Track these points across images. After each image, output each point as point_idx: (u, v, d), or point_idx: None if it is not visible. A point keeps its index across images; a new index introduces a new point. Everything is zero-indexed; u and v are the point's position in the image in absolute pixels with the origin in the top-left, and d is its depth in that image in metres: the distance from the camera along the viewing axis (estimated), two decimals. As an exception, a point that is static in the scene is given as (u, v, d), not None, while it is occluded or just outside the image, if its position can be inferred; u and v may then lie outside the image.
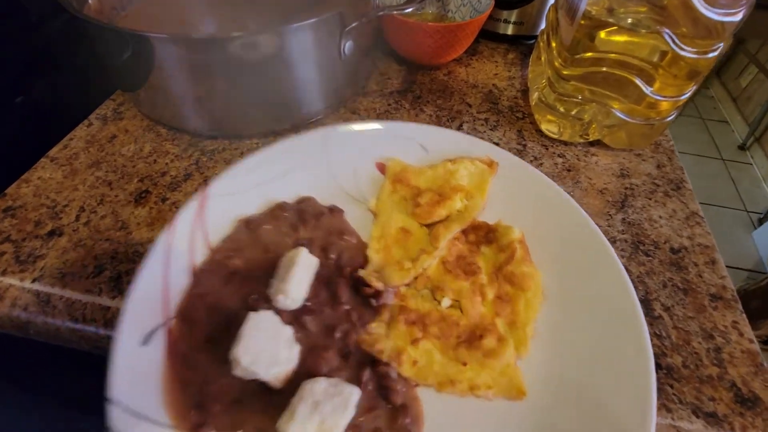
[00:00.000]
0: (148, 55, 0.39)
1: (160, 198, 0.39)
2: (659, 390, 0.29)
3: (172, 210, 0.38)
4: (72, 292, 0.32)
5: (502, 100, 0.52)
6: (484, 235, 0.33)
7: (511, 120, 0.49)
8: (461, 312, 0.30)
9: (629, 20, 0.37)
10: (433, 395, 0.26)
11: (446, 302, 0.30)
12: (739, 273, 1.59)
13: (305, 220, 0.33)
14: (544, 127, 0.47)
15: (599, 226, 0.39)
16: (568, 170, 0.44)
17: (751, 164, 2.01)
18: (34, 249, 0.35)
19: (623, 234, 0.39)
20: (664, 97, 0.40)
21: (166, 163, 0.42)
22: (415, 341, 0.28)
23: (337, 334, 0.28)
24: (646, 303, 0.34)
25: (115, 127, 0.46)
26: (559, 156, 0.46)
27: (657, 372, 0.30)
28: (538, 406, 0.25)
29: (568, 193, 0.41)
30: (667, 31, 0.36)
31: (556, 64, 0.43)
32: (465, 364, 0.27)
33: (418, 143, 0.38)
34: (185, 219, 0.30)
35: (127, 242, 0.36)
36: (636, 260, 0.37)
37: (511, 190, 0.35)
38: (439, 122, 0.48)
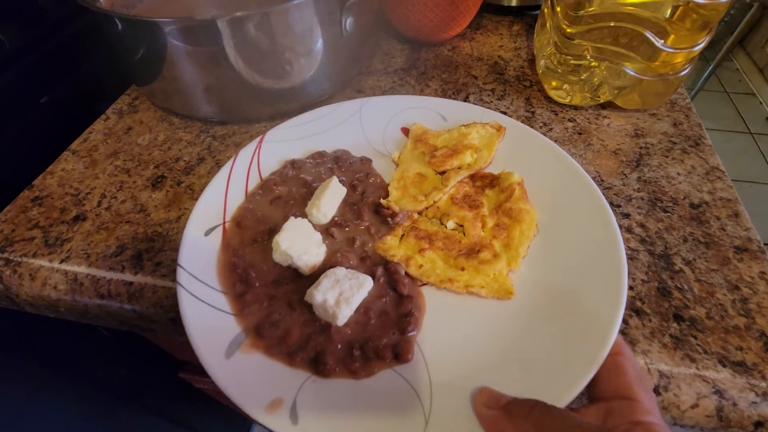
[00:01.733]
0: (160, 46, 0.40)
1: (176, 182, 0.40)
2: (681, 341, 0.28)
3: (187, 192, 0.39)
4: (97, 270, 0.34)
5: (508, 70, 0.51)
6: (489, 181, 0.37)
7: (518, 89, 0.49)
8: (464, 234, 0.34)
9: (634, -29, 0.36)
10: (435, 292, 0.30)
11: (451, 224, 0.34)
12: (774, 249, 1.52)
13: (339, 164, 0.39)
14: (552, 93, 0.46)
15: (613, 186, 0.38)
16: (579, 134, 0.43)
17: (783, 136, 1.91)
18: (60, 233, 0.36)
19: (639, 192, 0.38)
20: (677, 49, 0.39)
21: (180, 150, 0.44)
22: (422, 250, 0.32)
23: (357, 243, 0.33)
24: (665, 258, 0.33)
25: (131, 119, 0.48)
26: (569, 120, 0.45)
27: (679, 324, 0.29)
28: (524, 305, 0.29)
29: (580, 155, 0.41)
30: (675, -22, 0.35)
31: (562, 25, 0.42)
32: (463, 269, 0.31)
33: (438, 113, 0.43)
34: (245, 154, 0.38)
35: (146, 223, 0.37)
36: (654, 216, 0.36)
37: (515, 149, 0.39)
38: (445, 95, 0.48)
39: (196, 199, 0.34)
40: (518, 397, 0.22)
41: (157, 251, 0.35)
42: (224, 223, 0.34)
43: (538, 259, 0.32)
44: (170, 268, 0.34)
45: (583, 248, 0.30)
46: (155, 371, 0.65)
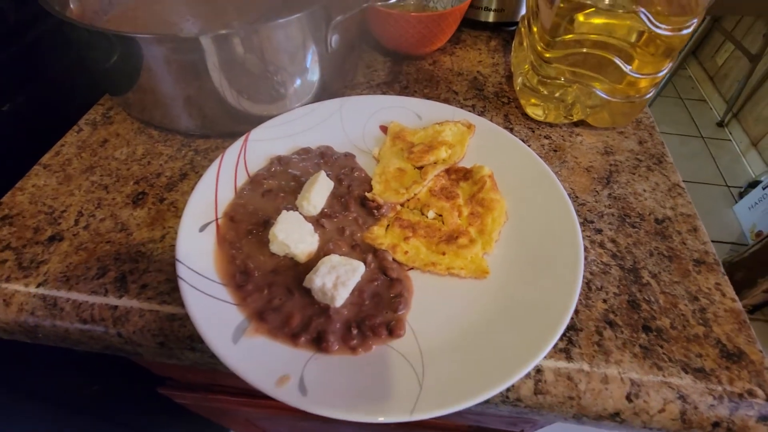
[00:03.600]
0: (136, 57, 0.39)
1: (158, 198, 0.40)
2: (650, 351, 0.31)
3: (170, 210, 0.39)
4: (78, 294, 0.33)
5: (487, 86, 0.53)
6: (462, 174, 0.41)
7: (497, 105, 0.51)
8: (443, 222, 0.37)
9: (606, 1, 0.39)
10: (420, 275, 0.34)
11: (431, 214, 0.38)
12: (723, 246, 1.64)
13: (325, 159, 0.42)
14: (529, 110, 0.49)
15: (587, 203, 0.40)
16: (555, 150, 0.46)
17: (730, 140, 2.06)
18: (35, 255, 0.35)
19: (610, 208, 0.40)
20: (643, 74, 0.42)
21: (161, 164, 0.43)
22: (406, 238, 0.36)
23: (347, 232, 0.36)
24: (634, 272, 0.36)
25: (106, 131, 0.46)
26: (545, 138, 0.47)
27: (647, 334, 0.32)
28: (498, 282, 0.33)
29: (556, 172, 0.43)
30: (643, 10, 0.38)
31: (538, 48, 0.44)
32: (444, 254, 0.35)
33: (414, 112, 0.46)
34: (231, 153, 0.40)
35: (128, 243, 0.36)
36: (623, 232, 0.38)
37: (484, 144, 0.43)
38: (427, 111, 0.49)
39: (181, 217, 0.34)
40: None
41: (142, 272, 0.34)
42: (216, 219, 0.36)
43: (507, 242, 0.36)
44: (157, 290, 0.33)
45: (547, 231, 0.35)
46: (131, 388, 0.63)
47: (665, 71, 0.42)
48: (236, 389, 0.55)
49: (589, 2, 0.39)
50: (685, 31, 0.39)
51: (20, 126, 0.48)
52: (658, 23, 0.38)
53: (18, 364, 0.48)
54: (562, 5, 0.40)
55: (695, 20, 0.38)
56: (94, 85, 0.50)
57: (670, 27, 0.38)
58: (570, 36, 0.41)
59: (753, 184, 1.75)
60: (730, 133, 2.07)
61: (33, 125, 0.48)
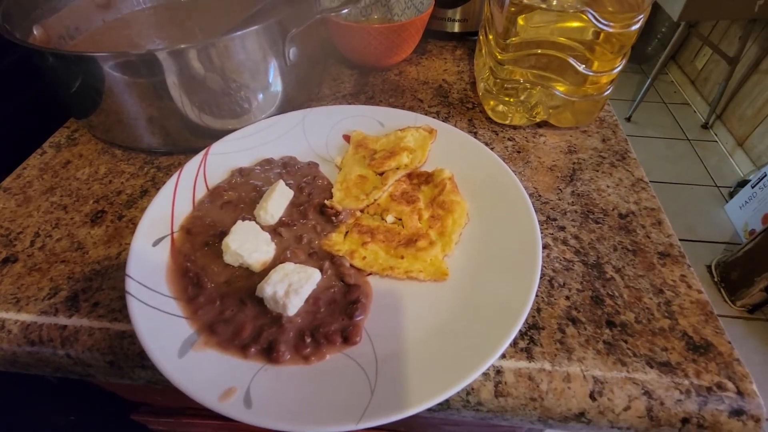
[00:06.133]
0: (97, 79, 0.39)
1: (117, 216, 0.39)
2: (614, 346, 0.30)
3: (129, 227, 0.38)
4: (27, 315, 0.32)
5: (452, 93, 0.54)
6: (424, 178, 0.41)
7: (461, 111, 0.51)
8: (402, 227, 0.37)
9: (554, 2, 0.39)
10: (380, 281, 0.33)
11: (390, 219, 0.38)
12: (716, 247, 1.63)
13: (288, 168, 0.42)
14: (492, 114, 0.49)
15: (550, 201, 0.40)
16: (518, 152, 0.46)
17: (716, 141, 2.08)
18: (-13, 278, 0.34)
19: (573, 205, 0.40)
20: (597, 72, 0.42)
21: (122, 182, 0.42)
22: (365, 244, 0.35)
23: (304, 240, 0.36)
24: (597, 267, 0.35)
25: (69, 153, 0.46)
26: (509, 140, 0.47)
27: (611, 330, 0.31)
28: (457, 284, 0.33)
29: (519, 172, 0.43)
30: (590, 10, 0.38)
31: (495, 52, 0.45)
32: (402, 258, 0.34)
33: (376, 120, 0.46)
34: (190, 167, 0.40)
35: (83, 262, 0.36)
36: (586, 228, 0.38)
37: (445, 148, 0.43)
38: (391, 119, 0.49)
39: (134, 233, 0.33)
40: None
41: (95, 291, 0.33)
42: (172, 233, 0.35)
43: (467, 244, 0.36)
44: (108, 308, 0.32)
45: (506, 231, 0.35)
46: (106, 415, 0.61)
47: (619, 68, 0.43)
48: (210, 412, 0.53)
49: (535, 4, 0.39)
50: (633, 27, 0.39)
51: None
52: (606, 21, 0.39)
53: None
54: (511, 9, 0.40)
55: (641, 16, 0.39)
56: (60, 109, 0.50)
57: (618, 24, 0.39)
58: (517, 38, 0.41)
59: (742, 183, 1.75)
60: (716, 134, 2.09)
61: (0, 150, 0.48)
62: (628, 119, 2.14)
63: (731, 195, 1.79)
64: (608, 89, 0.45)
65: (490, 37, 0.47)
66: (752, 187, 1.64)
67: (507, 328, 0.28)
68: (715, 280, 1.46)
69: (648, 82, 2.00)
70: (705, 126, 2.14)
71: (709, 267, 1.50)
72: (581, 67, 0.42)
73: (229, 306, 0.31)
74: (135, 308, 0.29)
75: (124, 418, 0.57)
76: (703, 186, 1.88)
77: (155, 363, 0.26)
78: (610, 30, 0.39)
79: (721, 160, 1.99)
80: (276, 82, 0.46)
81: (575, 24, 0.40)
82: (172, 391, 0.35)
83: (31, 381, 0.51)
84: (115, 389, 0.50)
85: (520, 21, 0.41)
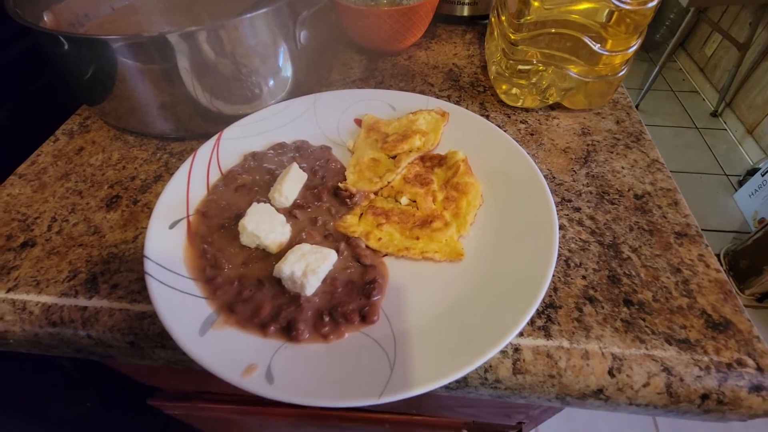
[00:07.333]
0: (109, 64, 0.39)
1: (132, 201, 0.39)
2: (632, 324, 0.30)
3: (144, 211, 0.38)
4: (48, 297, 0.32)
5: (462, 77, 0.53)
6: (437, 161, 0.40)
7: (472, 94, 0.51)
8: (417, 208, 0.37)
9: (569, -19, 0.39)
10: (396, 261, 0.33)
11: (404, 201, 0.38)
12: (725, 235, 1.62)
13: (301, 152, 0.42)
14: (504, 97, 0.48)
15: (564, 182, 0.40)
16: (531, 134, 0.45)
17: (725, 129, 2.05)
18: (7, 261, 0.35)
19: (588, 187, 0.40)
20: (612, 51, 0.42)
21: (135, 168, 0.43)
22: (380, 225, 0.35)
23: (319, 222, 0.36)
24: (614, 247, 0.35)
25: (82, 139, 0.46)
26: (521, 122, 0.47)
27: (629, 308, 0.31)
28: (473, 263, 0.33)
29: (532, 154, 0.42)
30: (606, -13, 0.38)
31: (508, 33, 0.45)
32: (417, 239, 0.34)
33: (387, 104, 0.46)
34: (203, 152, 0.40)
35: (101, 245, 0.36)
36: (602, 209, 0.38)
37: (458, 131, 0.43)
38: (402, 103, 0.49)
39: (150, 216, 0.34)
40: None
41: (113, 273, 0.34)
42: (188, 216, 0.35)
43: (482, 224, 0.35)
44: (128, 290, 0.33)
45: (522, 210, 0.35)
46: (122, 401, 0.62)
47: (635, 47, 0.42)
48: (225, 395, 0.54)
49: (551, -18, 0.39)
50: (650, 5, 0.39)
51: (1, 140, 0.48)
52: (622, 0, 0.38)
53: (8, 382, 0.47)
54: (525, -13, 0.40)
55: (659, -7, 0.38)
56: (72, 97, 0.50)
57: (635, 1, 0.38)
58: (532, 17, 0.41)
59: (752, 172, 1.73)
60: (725, 123, 2.07)
61: (12, 138, 0.48)
62: (636, 108, 2.12)
63: (740, 183, 1.77)
64: (622, 70, 0.44)
65: (503, 18, 0.46)
66: (762, 176, 1.62)
67: (525, 305, 0.28)
68: (724, 268, 1.45)
69: (656, 70, 1.97)
70: (714, 114, 2.11)
71: (718, 256, 1.49)
72: (596, 47, 0.41)
73: (247, 286, 0.31)
74: (155, 288, 0.29)
75: (140, 403, 0.57)
76: (712, 174, 1.86)
77: (177, 341, 0.26)
78: (627, 7, 0.38)
79: (730, 149, 1.97)
80: (286, 67, 0.45)
81: (589, 3, 0.40)
82: (190, 373, 0.35)
83: (47, 371, 0.51)
84: (132, 373, 0.50)
85: (534, 1, 0.40)
